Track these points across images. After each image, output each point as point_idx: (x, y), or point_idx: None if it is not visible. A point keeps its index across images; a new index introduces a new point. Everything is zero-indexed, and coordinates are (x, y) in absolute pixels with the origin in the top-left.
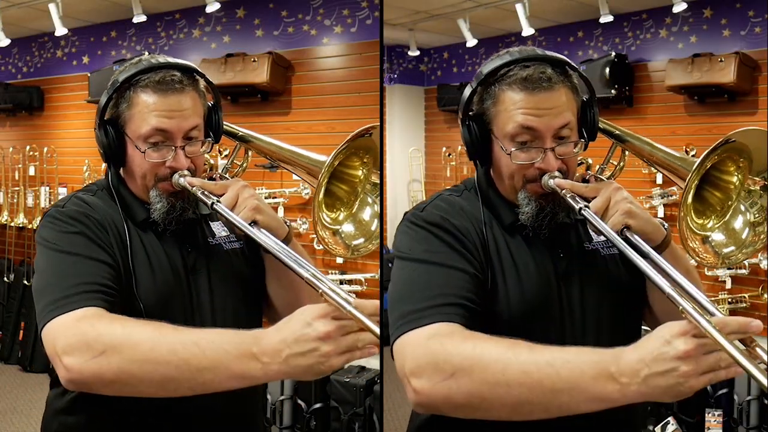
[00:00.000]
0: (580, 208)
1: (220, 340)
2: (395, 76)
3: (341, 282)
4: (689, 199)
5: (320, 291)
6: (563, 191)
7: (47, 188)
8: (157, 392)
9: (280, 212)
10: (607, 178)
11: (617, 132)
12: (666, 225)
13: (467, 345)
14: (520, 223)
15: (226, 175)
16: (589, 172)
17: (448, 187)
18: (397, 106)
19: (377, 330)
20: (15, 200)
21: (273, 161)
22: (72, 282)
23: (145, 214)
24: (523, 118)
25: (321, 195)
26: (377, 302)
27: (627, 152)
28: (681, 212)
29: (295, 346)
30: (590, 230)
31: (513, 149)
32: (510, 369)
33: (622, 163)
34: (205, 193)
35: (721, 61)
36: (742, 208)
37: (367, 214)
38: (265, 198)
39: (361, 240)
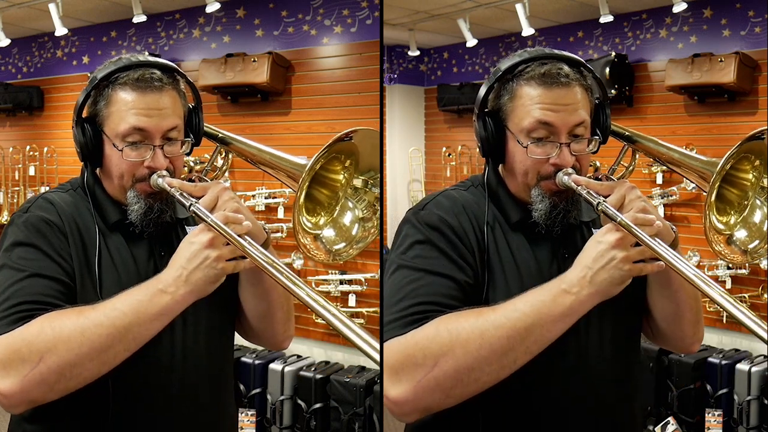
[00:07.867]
0: (598, 203)
1: (130, 296)
2: (395, 76)
3: (341, 282)
4: (712, 198)
5: (301, 297)
6: (579, 188)
7: (47, 188)
8: (99, 370)
9: (281, 213)
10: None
11: (627, 133)
12: (674, 228)
13: (441, 331)
14: (531, 221)
15: (206, 177)
16: (599, 173)
17: (456, 183)
18: (397, 106)
19: (376, 351)
20: (15, 200)
21: (253, 164)
22: (12, 302)
23: (119, 216)
24: (540, 113)
25: (302, 199)
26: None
27: (637, 154)
28: (705, 212)
29: (189, 264)
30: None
31: (529, 143)
32: (486, 331)
33: (632, 166)
34: (184, 194)
35: (721, 61)
36: (758, 203)
37: (347, 218)
38: (265, 198)
39: (342, 245)
